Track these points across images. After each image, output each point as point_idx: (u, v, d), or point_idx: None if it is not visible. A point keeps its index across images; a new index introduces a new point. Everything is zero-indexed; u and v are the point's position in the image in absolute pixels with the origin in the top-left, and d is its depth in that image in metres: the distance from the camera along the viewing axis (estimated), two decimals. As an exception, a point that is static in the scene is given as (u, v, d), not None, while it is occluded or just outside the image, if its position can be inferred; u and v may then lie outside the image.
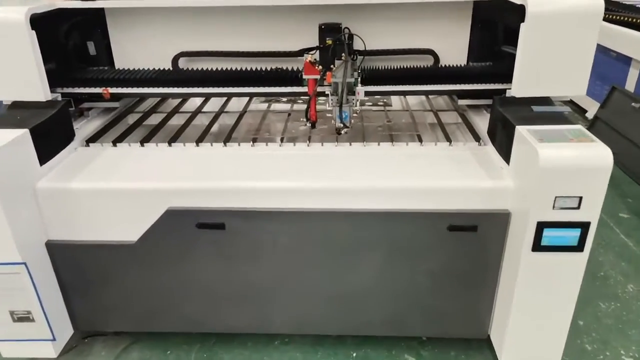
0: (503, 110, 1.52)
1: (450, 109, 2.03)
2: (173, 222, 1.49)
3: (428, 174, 1.49)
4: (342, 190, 1.46)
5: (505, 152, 1.49)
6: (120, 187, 1.48)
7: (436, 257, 1.52)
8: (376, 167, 1.53)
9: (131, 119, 2.05)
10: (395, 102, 2.13)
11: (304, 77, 1.68)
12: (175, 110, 2.07)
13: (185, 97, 2.12)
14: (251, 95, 2.05)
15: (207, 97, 2.12)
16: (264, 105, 2.12)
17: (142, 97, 2.14)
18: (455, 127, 1.99)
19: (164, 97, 2.12)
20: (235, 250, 1.53)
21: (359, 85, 1.64)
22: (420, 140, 1.68)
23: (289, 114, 1.98)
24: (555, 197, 1.29)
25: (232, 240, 1.52)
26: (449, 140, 1.69)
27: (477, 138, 1.69)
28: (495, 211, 1.44)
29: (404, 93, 1.96)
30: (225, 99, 2.14)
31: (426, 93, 2.02)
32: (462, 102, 1.88)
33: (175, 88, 1.80)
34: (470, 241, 1.48)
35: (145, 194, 1.47)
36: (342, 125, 1.63)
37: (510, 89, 1.59)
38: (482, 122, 1.80)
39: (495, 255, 1.49)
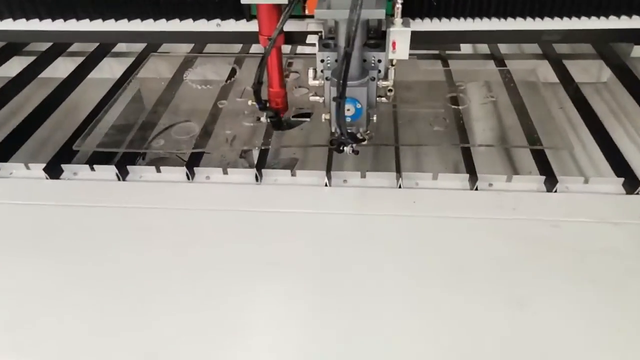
0: None
1: (591, 54, 0.95)
2: None
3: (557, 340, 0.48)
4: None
5: None
6: None
7: None
8: (425, 296, 0.53)
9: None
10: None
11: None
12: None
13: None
14: (120, 41, 0.98)
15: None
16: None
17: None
18: (601, 90, 0.92)
19: None
20: None
21: (398, 20, 0.56)
22: (554, 177, 0.64)
23: (232, 76, 0.93)
24: None
25: None
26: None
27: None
28: None
29: (518, 38, 0.74)
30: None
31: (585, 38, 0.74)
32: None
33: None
34: None
35: None
36: (345, 136, 0.61)
37: None
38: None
39: None
